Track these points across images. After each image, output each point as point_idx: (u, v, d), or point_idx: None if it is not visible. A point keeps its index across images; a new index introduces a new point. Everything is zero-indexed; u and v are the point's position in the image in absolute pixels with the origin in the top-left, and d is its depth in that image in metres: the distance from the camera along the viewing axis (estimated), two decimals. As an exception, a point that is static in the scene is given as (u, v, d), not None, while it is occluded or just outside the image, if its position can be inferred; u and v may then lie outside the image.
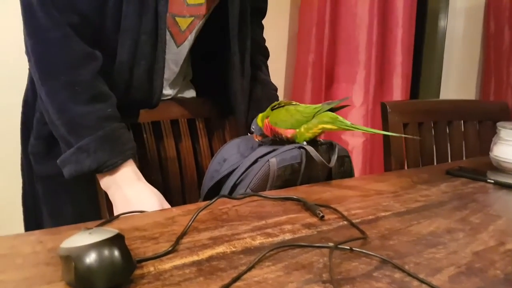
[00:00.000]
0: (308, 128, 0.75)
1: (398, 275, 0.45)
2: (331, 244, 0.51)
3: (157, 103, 0.82)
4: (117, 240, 0.42)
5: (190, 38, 0.86)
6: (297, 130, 0.76)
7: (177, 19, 0.80)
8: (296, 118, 0.76)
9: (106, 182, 0.71)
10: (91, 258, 0.40)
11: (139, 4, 0.72)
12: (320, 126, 0.75)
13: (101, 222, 0.55)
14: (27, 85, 0.83)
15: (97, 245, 0.40)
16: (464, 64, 2.31)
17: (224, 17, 0.85)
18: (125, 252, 0.42)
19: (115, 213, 0.69)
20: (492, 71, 2.26)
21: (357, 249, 0.50)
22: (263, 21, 1.03)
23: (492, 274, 0.46)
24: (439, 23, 2.36)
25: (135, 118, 0.83)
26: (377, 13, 1.63)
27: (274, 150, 0.74)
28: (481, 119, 1.28)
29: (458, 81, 2.31)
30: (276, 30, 1.62)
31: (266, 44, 1.04)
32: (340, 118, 0.75)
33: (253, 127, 0.81)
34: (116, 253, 0.40)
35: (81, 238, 0.42)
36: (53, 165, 0.70)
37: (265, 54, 1.03)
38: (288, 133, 0.77)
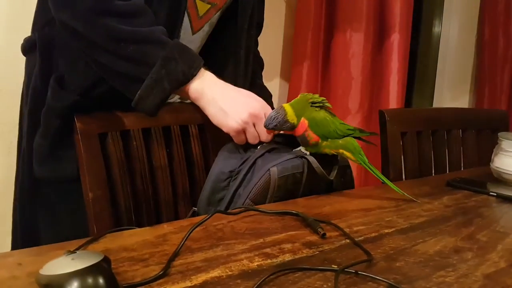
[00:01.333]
0: (330, 146, 0.73)
1: (408, 303, 0.42)
2: (335, 267, 0.47)
3: None
4: (102, 267, 0.38)
5: (206, 29, 0.84)
6: (321, 141, 0.73)
7: (197, 1, 0.79)
8: (329, 129, 0.73)
9: (199, 85, 0.70)
10: (73, 287, 0.36)
11: None
12: (341, 150, 0.73)
13: (86, 241, 0.51)
14: (35, 71, 0.77)
15: (80, 273, 0.36)
16: (458, 70, 2.31)
17: (234, 11, 0.85)
18: (111, 280, 0.38)
19: (220, 108, 0.71)
20: (486, 78, 2.26)
21: (363, 273, 0.46)
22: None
23: (508, 301, 0.43)
24: (433, 29, 2.36)
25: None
26: (373, 19, 1.61)
27: (272, 150, 0.71)
28: (480, 127, 1.26)
29: (452, 87, 2.30)
30: (272, 35, 1.59)
31: (262, 49, 1.03)
32: (362, 153, 0.75)
33: (276, 123, 0.71)
34: (101, 281, 0.37)
35: (62, 264, 0.38)
36: (52, 169, 0.67)
37: (261, 63, 1.04)
38: (314, 139, 0.73)
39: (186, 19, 0.80)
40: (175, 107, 0.89)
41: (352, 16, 1.60)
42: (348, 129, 0.74)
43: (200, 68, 0.70)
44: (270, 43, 1.59)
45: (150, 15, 0.71)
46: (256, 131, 0.72)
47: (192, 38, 0.83)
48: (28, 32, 0.83)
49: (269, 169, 0.68)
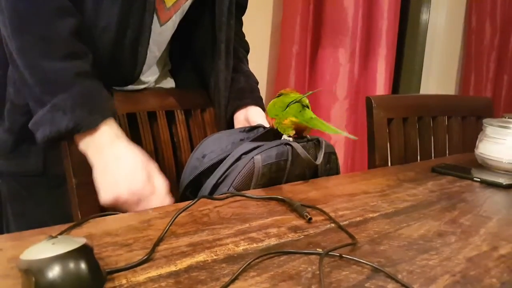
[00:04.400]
0: (280, 119, 0.74)
1: (391, 285, 0.42)
2: (320, 250, 0.47)
3: (137, 77, 0.78)
4: (84, 251, 0.37)
5: (175, 19, 0.81)
6: (275, 120, 0.75)
7: None
8: (276, 107, 0.75)
9: (85, 143, 0.64)
10: (54, 272, 0.35)
11: None
12: (289, 119, 0.73)
13: (68, 226, 0.50)
14: None
15: (61, 258, 0.36)
16: (445, 58, 2.32)
17: (211, 3, 0.81)
18: (93, 264, 0.37)
19: (95, 179, 0.64)
20: (473, 66, 2.28)
21: (347, 256, 0.46)
22: (246, 12, 1.00)
23: (488, 283, 0.44)
24: (421, 16, 2.36)
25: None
26: (362, 5, 1.60)
27: (259, 147, 0.70)
28: (465, 114, 1.28)
29: (438, 74, 2.32)
30: (259, 20, 1.57)
31: (249, 34, 1.01)
32: (307, 111, 0.73)
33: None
34: (83, 266, 0.36)
35: (43, 249, 0.37)
36: (18, 164, 0.65)
37: (246, 48, 1.01)
38: (272, 121, 0.76)
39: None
40: (160, 92, 0.88)
41: (340, 2, 1.59)
42: (291, 98, 0.75)
43: (94, 125, 0.63)
44: (259, 29, 1.57)
45: (91, 56, 0.66)
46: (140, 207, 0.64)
47: (160, 30, 0.80)
48: None
49: (253, 157, 0.67)
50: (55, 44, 0.63)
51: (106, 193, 0.63)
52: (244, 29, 1.01)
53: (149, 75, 0.86)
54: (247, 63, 1.00)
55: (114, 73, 0.74)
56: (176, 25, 0.83)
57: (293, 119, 0.73)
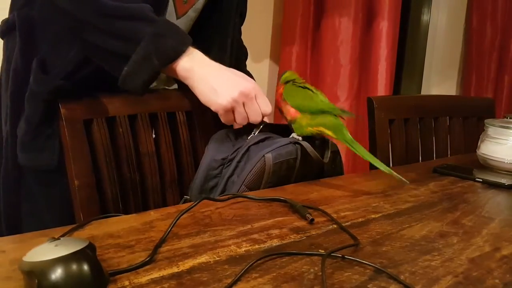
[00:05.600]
0: (311, 124, 0.72)
1: (394, 286, 0.42)
2: (322, 251, 0.47)
3: None
4: (87, 253, 0.37)
5: (191, 14, 0.83)
6: (301, 115, 0.73)
7: None
8: (305, 100, 0.73)
9: (189, 62, 0.68)
10: (56, 274, 0.35)
11: None
12: (321, 128, 0.72)
13: (71, 228, 0.50)
14: (15, 54, 0.75)
15: (64, 260, 0.36)
16: (446, 58, 2.32)
17: (219, 6, 0.84)
18: (96, 266, 0.37)
19: (203, 92, 0.69)
20: (474, 66, 2.27)
21: (350, 257, 0.46)
22: (247, 13, 1.00)
23: (491, 284, 0.44)
24: (422, 17, 2.36)
25: None
26: (362, 6, 1.60)
27: (266, 138, 0.71)
28: (466, 115, 1.27)
29: (439, 75, 2.31)
30: (260, 21, 1.57)
31: (250, 35, 1.03)
32: (345, 130, 0.73)
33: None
34: (85, 267, 0.36)
35: (46, 251, 0.37)
36: (33, 158, 0.65)
37: (245, 53, 1.03)
38: (292, 112, 0.74)
39: (171, 2, 0.78)
40: (162, 93, 0.88)
41: (340, 3, 1.59)
42: (330, 105, 0.74)
43: (189, 46, 0.68)
44: (259, 30, 1.57)
45: None
46: (246, 111, 0.71)
47: (176, 23, 0.81)
48: (5, 15, 0.80)
49: (264, 155, 0.68)
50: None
51: (222, 97, 0.68)
52: (244, 30, 1.01)
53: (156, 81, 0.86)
54: (245, 67, 1.01)
55: None
56: (190, 25, 0.84)
57: (329, 132, 0.72)
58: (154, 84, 0.87)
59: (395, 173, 0.70)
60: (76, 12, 0.65)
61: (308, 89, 0.76)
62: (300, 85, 0.76)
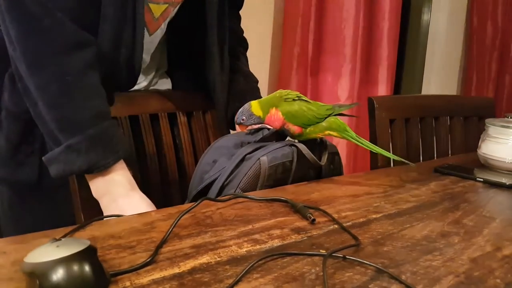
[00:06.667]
0: (315, 131, 0.73)
1: (395, 286, 0.42)
2: (323, 251, 0.47)
3: (132, 86, 0.80)
4: (88, 254, 0.37)
5: (163, 26, 0.81)
6: (304, 129, 0.74)
7: (151, 5, 0.75)
8: (308, 117, 0.73)
9: (99, 189, 0.66)
10: (58, 275, 0.35)
11: None
12: (327, 132, 0.74)
13: (72, 229, 0.50)
14: None
15: (65, 260, 0.36)
16: (447, 58, 2.32)
17: (201, 5, 0.81)
18: (97, 266, 0.37)
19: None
20: (474, 66, 2.28)
21: (351, 257, 0.46)
22: (248, 13, 0.99)
23: (493, 284, 0.44)
24: (422, 16, 2.36)
25: (110, 102, 0.77)
26: (363, 6, 1.60)
27: (262, 147, 0.70)
28: (467, 114, 1.27)
29: (440, 75, 2.31)
30: (261, 21, 1.57)
31: (251, 35, 1.00)
32: (348, 128, 0.74)
33: (243, 116, 0.74)
34: (87, 268, 0.36)
35: (47, 252, 0.37)
36: (13, 172, 0.65)
37: (244, 45, 0.99)
38: (294, 128, 0.74)
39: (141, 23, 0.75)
40: (162, 94, 0.88)
41: (341, 4, 1.59)
42: (327, 110, 0.74)
43: (105, 167, 0.64)
44: (260, 30, 1.57)
45: (103, 91, 0.67)
46: None
47: (149, 39, 0.80)
48: None
49: (259, 158, 0.67)
50: (71, 79, 0.63)
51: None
52: (245, 31, 1.00)
53: (143, 79, 0.86)
54: (247, 61, 0.98)
55: (109, 86, 0.73)
56: (164, 30, 0.82)
57: (335, 134, 0.74)
58: (145, 84, 0.87)
59: (406, 161, 0.76)
60: (27, 80, 0.64)
61: (301, 101, 0.75)
62: (289, 98, 0.74)
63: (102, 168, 0.64)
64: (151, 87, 0.90)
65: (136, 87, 0.84)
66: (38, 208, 0.75)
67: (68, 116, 0.63)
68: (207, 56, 0.84)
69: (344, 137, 0.74)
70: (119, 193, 0.65)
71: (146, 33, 0.77)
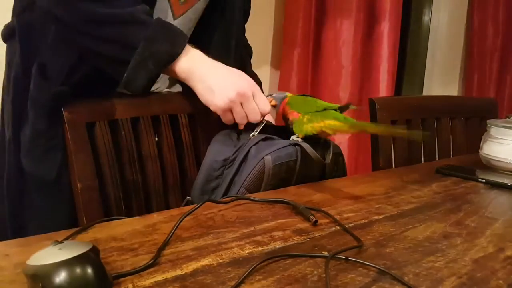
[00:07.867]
0: (312, 120, 0.72)
1: (398, 287, 0.42)
2: (325, 253, 0.47)
3: None
4: (90, 256, 0.37)
5: (190, 16, 0.82)
6: (301, 116, 0.74)
7: None
8: (307, 105, 0.75)
9: (185, 66, 0.69)
10: (60, 277, 0.35)
11: None
12: (327, 122, 0.71)
13: (74, 231, 0.50)
14: (16, 59, 0.75)
15: (68, 263, 0.36)
16: (448, 58, 2.32)
17: (221, 9, 0.84)
18: (100, 269, 0.37)
19: (202, 92, 0.71)
20: (475, 66, 2.27)
21: (353, 259, 0.46)
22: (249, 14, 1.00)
23: (495, 285, 0.44)
24: (423, 17, 2.36)
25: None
26: (363, 7, 1.60)
27: (267, 139, 0.71)
28: (469, 115, 1.27)
29: (441, 76, 2.31)
30: (262, 22, 1.57)
31: (252, 36, 1.02)
32: (348, 117, 0.73)
33: (275, 95, 0.81)
34: (89, 271, 0.36)
35: (49, 254, 0.37)
36: (36, 167, 0.65)
37: (249, 52, 1.02)
38: (293, 114, 0.75)
39: (165, 3, 0.78)
40: (164, 96, 0.88)
41: (342, 5, 1.59)
42: (329, 105, 0.75)
43: (185, 46, 0.69)
44: (261, 32, 1.58)
45: None
46: (244, 111, 0.72)
47: (174, 24, 0.80)
48: (9, 18, 0.80)
49: (263, 157, 0.68)
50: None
51: (219, 98, 0.70)
52: (246, 31, 1.01)
53: (160, 83, 0.87)
54: (251, 65, 1.01)
55: None
56: (191, 27, 0.84)
57: (334, 122, 0.71)
58: (157, 86, 0.87)
59: (412, 131, 0.78)
60: (69, 20, 0.66)
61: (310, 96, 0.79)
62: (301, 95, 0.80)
63: (182, 46, 0.67)
64: (165, 90, 0.90)
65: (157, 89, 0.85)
66: (60, 203, 0.75)
67: (127, 22, 0.65)
68: (225, 51, 0.86)
69: (346, 123, 0.70)
70: (205, 58, 0.70)
71: (170, 15, 0.79)
